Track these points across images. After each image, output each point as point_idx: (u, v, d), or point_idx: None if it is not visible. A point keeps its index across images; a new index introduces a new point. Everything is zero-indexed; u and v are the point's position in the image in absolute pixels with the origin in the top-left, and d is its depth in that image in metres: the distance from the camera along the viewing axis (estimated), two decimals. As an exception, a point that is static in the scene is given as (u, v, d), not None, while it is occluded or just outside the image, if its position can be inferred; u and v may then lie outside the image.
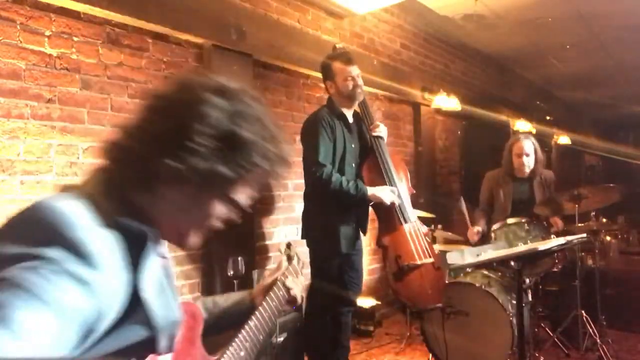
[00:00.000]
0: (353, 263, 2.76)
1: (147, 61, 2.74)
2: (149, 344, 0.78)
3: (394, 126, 4.82)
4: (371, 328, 3.92)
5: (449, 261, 2.64)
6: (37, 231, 0.68)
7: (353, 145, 2.79)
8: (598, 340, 3.21)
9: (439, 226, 4.00)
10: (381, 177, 2.79)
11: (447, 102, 4.92)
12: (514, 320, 2.64)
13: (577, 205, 3.24)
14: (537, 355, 3.14)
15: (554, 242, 2.34)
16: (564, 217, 3.56)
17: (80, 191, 0.79)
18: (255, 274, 2.84)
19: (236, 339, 1.08)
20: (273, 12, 3.47)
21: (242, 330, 1.10)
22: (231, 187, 0.85)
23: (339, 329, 2.74)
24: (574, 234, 2.74)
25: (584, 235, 2.49)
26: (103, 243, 0.72)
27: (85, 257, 0.68)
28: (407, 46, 4.99)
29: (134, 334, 0.76)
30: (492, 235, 3.31)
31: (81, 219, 0.72)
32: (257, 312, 1.16)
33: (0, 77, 2.16)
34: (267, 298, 1.21)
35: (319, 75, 3.70)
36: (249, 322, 1.13)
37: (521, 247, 2.52)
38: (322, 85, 2.96)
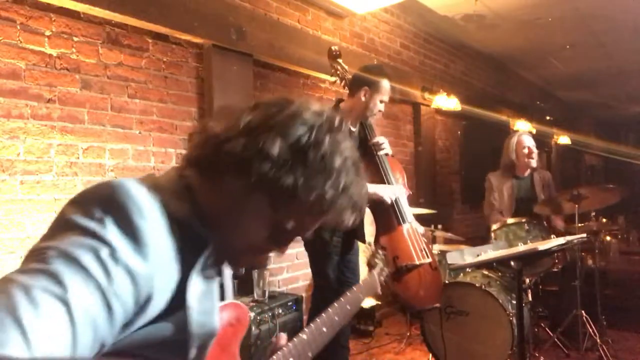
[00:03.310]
0: (349, 263, 2.76)
1: (147, 61, 2.74)
2: (179, 349, 0.77)
3: (394, 126, 4.82)
4: (371, 328, 3.91)
5: (449, 261, 2.64)
6: (105, 207, 0.70)
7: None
8: (598, 340, 3.21)
9: (439, 226, 4.00)
10: (379, 176, 2.78)
11: (447, 102, 4.92)
12: (514, 320, 2.64)
13: (577, 205, 3.24)
14: (537, 355, 3.15)
15: (554, 242, 2.34)
16: (564, 217, 3.57)
17: (155, 183, 0.80)
18: (255, 273, 2.84)
19: (279, 352, 1.01)
20: (273, 12, 3.47)
21: (290, 342, 1.05)
22: (287, 207, 0.80)
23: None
24: (574, 234, 2.74)
25: (584, 235, 2.48)
26: (160, 236, 0.73)
27: (140, 248, 0.69)
28: (407, 46, 4.99)
29: (166, 332, 0.75)
30: (492, 235, 3.31)
31: (148, 208, 0.73)
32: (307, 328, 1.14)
33: (0, 77, 2.16)
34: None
35: (319, 75, 3.73)
36: (300, 335, 1.09)
37: (521, 247, 2.52)
38: (322, 85, 2.94)
